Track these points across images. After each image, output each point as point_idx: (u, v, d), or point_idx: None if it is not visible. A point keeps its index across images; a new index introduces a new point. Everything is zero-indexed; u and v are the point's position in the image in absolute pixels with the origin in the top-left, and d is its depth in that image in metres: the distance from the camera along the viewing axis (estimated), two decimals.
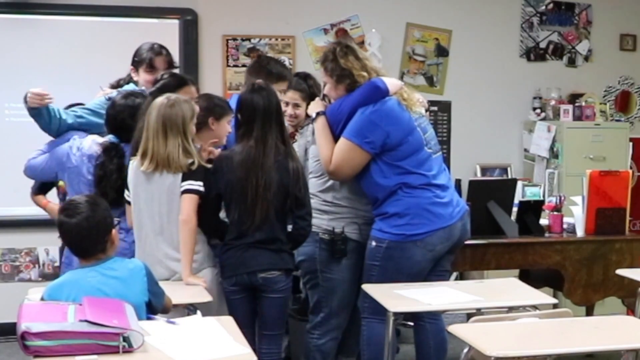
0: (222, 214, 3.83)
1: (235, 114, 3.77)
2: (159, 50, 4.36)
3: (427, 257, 3.89)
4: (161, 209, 3.66)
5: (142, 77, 4.31)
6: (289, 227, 3.80)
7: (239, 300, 3.70)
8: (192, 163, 3.61)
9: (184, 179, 3.62)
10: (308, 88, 4.50)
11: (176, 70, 4.44)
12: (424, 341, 4.06)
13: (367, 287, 3.72)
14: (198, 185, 3.62)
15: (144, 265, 3.03)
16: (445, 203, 3.92)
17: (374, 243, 3.91)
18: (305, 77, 4.61)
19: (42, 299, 2.89)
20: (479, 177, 6.33)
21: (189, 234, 3.60)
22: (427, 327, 4.03)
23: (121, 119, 3.93)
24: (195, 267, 3.65)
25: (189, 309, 3.41)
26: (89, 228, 2.91)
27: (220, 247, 3.75)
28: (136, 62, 4.36)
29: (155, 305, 3.01)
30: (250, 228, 3.64)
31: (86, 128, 4.17)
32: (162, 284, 3.16)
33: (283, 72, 4.32)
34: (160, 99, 3.67)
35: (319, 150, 3.93)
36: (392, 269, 3.85)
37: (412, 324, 5.59)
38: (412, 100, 3.99)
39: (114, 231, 3.01)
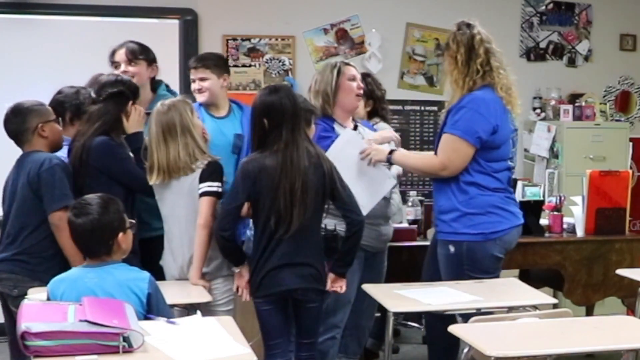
0: None
1: (261, 119, 3.52)
2: (124, 43, 4.27)
3: (503, 256, 3.85)
4: (182, 212, 3.67)
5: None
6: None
7: (270, 311, 3.54)
8: (206, 162, 3.61)
9: (201, 180, 3.61)
10: (366, 85, 4.53)
11: (155, 67, 4.34)
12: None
13: (367, 287, 3.72)
14: (217, 187, 3.61)
15: (148, 279, 2.99)
16: (516, 202, 3.98)
17: (452, 248, 3.82)
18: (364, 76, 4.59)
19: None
20: None
21: (206, 239, 3.59)
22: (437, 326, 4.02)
23: (55, 101, 4.01)
24: (208, 274, 3.65)
25: (188, 309, 3.40)
26: (93, 230, 2.93)
27: (252, 261, 3.57)
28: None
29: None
30: (285, 235, 3.45)
31: None
32: (162, 283, 3.15)
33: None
34: (156, 108, 3.72)
35: (419, 169, 3.98)
36: (480, 269, 3.77)
37: (412, 323, 5.63)
38: (517, 111, 3.99)
39: (121, 235, 2.99)
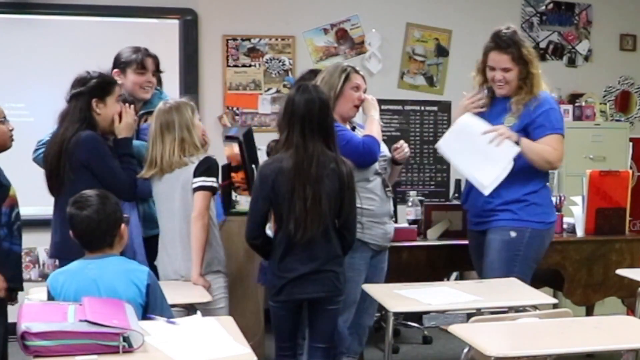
0: None
1: (282, 115, 3.54)
2: (148, 51, 4.23)
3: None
4: (175, 206, 3.69)
5: (131, 79, 4.15)
6: None
7: (287, 316, 3.53)
8: (201, 157, 3.62)
9: (195, 175, 3.62)
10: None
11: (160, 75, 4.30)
12: None
13: (367, 287, 3.72)
14: (211, 182, 3.63)
15: (147, 271, 3.01)
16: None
17: (513, 233, 3.97)
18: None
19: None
20: None
21: (201, 231, 3.60)
22: None
23: None
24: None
25: (188, 309, 3.41)
26: (99, 221, 2.95)
27: (270, 263, 3.56)
28: (123, 64, 4.19)
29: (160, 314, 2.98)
30: (301, 240, 3.41)
31: None
32: (163, 283, 3.15)
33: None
34: (159, 106, 3.75)
35: (544, 157, 3.98)
36: (531, 257, 3.98)
37: (412, 324, 5.63)
38: None
39: (123, 226, 3.04)
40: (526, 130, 4.00)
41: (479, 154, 3.98)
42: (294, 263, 3.45)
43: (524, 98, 4.02)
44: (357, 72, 4.09)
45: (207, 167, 3.64)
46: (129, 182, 3.74)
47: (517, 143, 3.95)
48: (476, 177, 4.02)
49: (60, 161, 3.70)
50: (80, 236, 3.02)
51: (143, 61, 4.17)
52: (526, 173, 3.99)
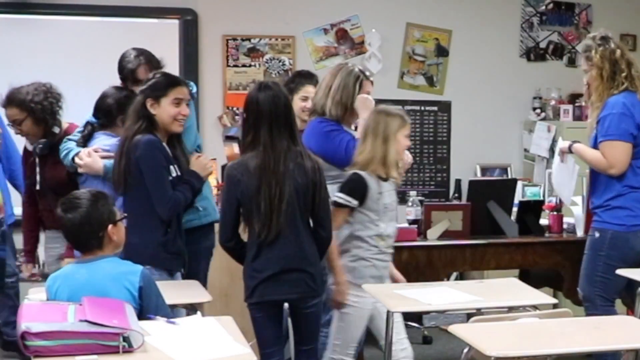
0: None
1: (245, 115, 3.47)
2: (137, 60, 4.11)
3: None
4: None
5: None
6: None
7: (263, 318, 3.46)
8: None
9: None
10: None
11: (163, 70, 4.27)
12: None
13: (367, 287, 3.72)
14: (339, 198, 3.70)
15: (140, 272, 2.97)
16: None
17: (597, 234, 4.18)
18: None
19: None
20: (479, 177, 6.33)
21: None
22: None
23: (107, 105, 3.97)
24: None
25: (188, 308, 3.40)
26: (81, 224, 2.93)
27: (244, 265, 3.50)
28: (123, 79, 4.14)
29: (155, 314, 2.96)
30: (266, 239, 3.36)
31: None
32: (162, 283, 3.15)
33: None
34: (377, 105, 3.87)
35: (592, 163, 4.20)
36: (616, 257, 4.09)
37: (412, 324, 5.62)
38: None
39: (111, 227, 2.96)
40: None
41: (563, 175, 4.50)
42: (265, 263, 3.40)
43: (595, 105, 4.19)
44: (367, 77, 4.08)
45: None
46: (170, 204, 3.58)
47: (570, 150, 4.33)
48: (565, 194, 4.54)
49: (121, 160, 3.62)
50: (68, 238, 3.05)
51: (134, 73, 4.10)
52: (608, 178, 4.16)
